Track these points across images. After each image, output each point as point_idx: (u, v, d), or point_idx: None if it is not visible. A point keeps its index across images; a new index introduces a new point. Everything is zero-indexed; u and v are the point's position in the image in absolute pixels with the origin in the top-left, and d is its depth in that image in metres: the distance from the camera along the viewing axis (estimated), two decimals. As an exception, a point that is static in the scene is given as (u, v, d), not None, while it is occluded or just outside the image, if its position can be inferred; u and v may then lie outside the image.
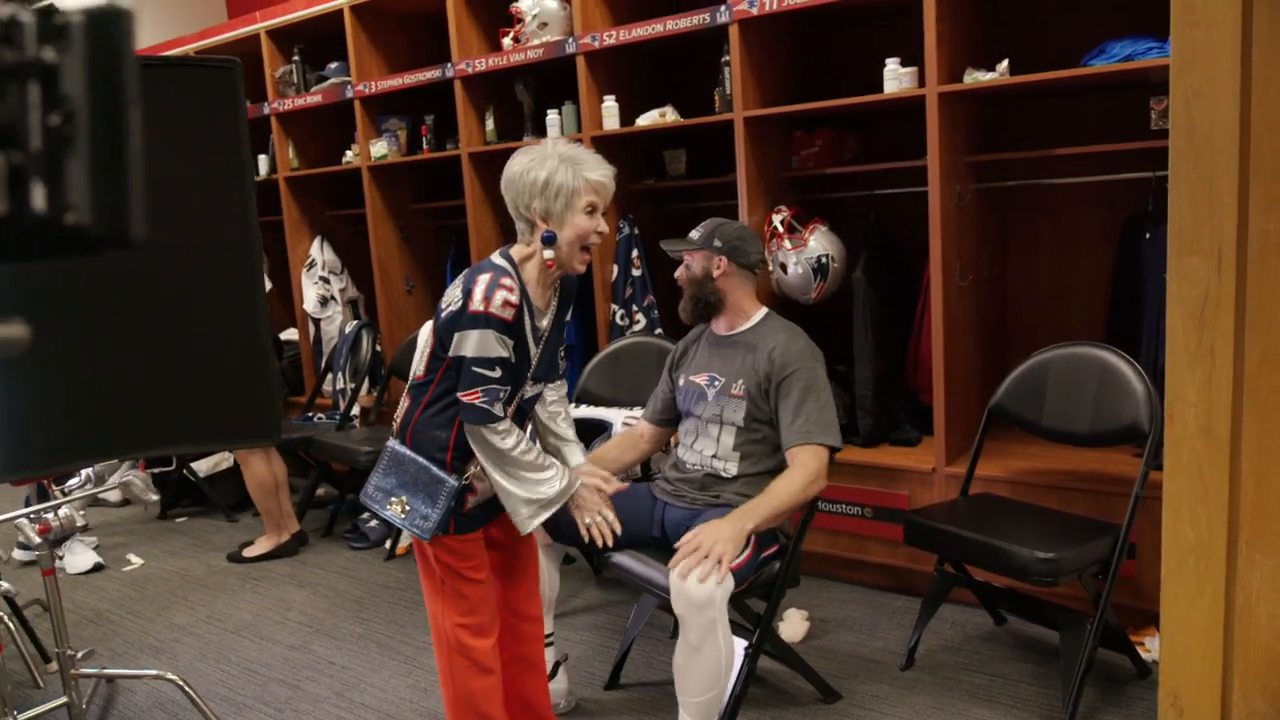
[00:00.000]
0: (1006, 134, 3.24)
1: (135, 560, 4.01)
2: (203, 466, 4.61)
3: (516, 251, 1.96)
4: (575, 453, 2.16)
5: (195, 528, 4.44)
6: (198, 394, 2.23)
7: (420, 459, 1.97)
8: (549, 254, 1.91)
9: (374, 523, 4.00)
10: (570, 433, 2.17)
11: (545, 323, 2.01)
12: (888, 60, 2.95)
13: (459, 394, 1.90)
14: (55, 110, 0.52)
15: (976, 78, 2.80)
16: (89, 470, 2.65)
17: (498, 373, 1.88)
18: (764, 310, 2.43)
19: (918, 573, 2.99)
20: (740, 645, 2.34)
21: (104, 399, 2.13)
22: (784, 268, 3.24)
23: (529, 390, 2.04)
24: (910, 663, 2.66)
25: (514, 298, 1.87)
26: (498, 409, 1.89)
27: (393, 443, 2.03)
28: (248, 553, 3.91)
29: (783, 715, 2.46)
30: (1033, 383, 2.67)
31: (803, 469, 2.20)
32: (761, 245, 2.47)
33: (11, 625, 2.95)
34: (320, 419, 4.50)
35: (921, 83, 2.86)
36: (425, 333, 2.10)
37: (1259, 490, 2.01)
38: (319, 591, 3.53)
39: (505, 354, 1.89)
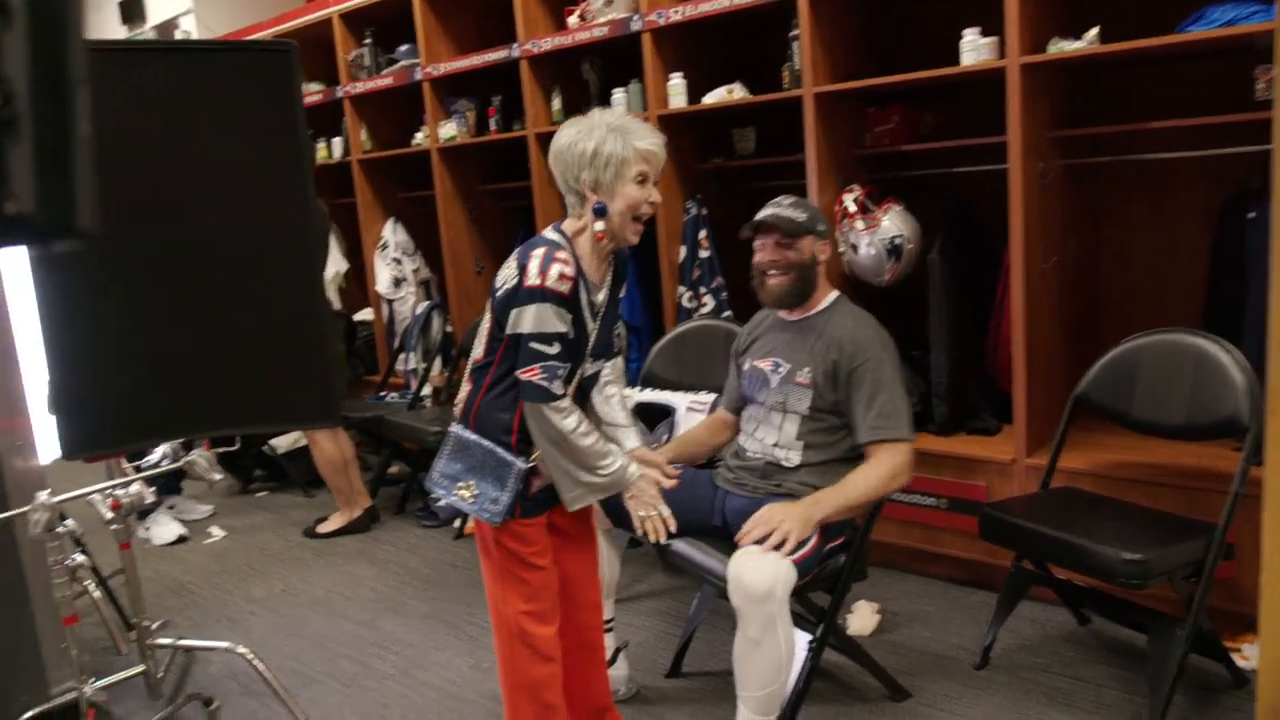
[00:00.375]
0: (1097, 106, 3.04)
1: (217, 533, 4.13)
2: (282, 443, 4.71)
3: (569, 226, 1.92)
4: (630, 436, 2.11)
5: (275, 502, 4.55)
6: (259, 376, 2.26)
7: (486, 442, 1.93)
8: (600, 226, 1.86)
9: (444, 501, 4.02)
10: (623, 416, 2.11)
11: (601, 297, 1.96)
12: (965, 31, 2.80)
13: (517, 371, 1.86)
14: (-6, 92, 0.49)
15: (1062, 47, 2.63)
16: (166, 447, 2.71)
17: (556, 349, 1.83)
18: (834, 294, 2.34)
19: (995, 567, 2.86)
20: (804, 639, 2.28)
21: (168, 381, 2.17)
22: (855, 249, 3.12)
23: (589, 368, 1.99)
24: (985, 662, 2.55)
25: (570, 271, 1.82)
26: (556, 387, 1.84)
27: (456, 428, 2.00)
28: (322, 528, 3.99)
29: (849, 712, 2.38)
30: (1123, 370, 2.51)
31: (880, 465, 2.13)
32: None
33: (96, 595, 3.07)
34: (393, 398, 4.55)
35: (1002, 54, 2.71)
36: (487, 315, 2.08)
37: (1372, 491, 1.84)
38: (389, 568, 3.58)
39: (563, 329, 1.84)
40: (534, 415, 1.87)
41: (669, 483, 2.03)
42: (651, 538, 1.98)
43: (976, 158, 3.10)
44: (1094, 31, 2.59)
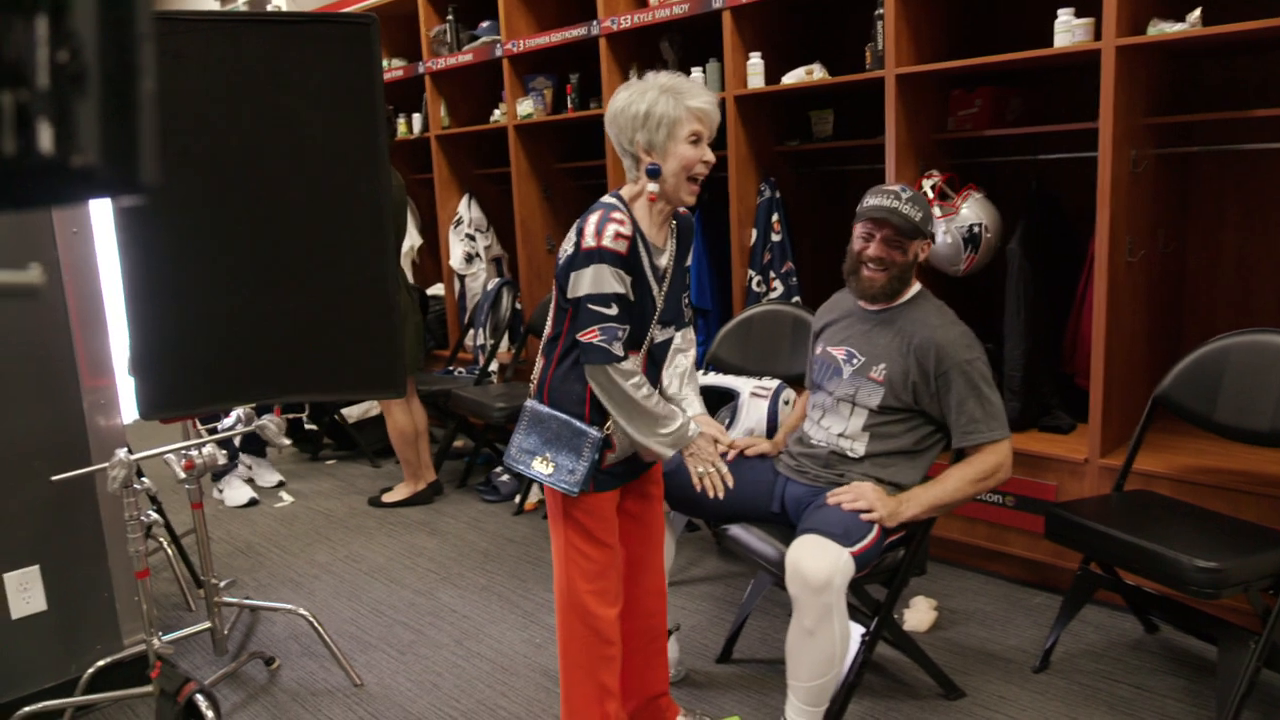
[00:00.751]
0: (1195, 92, 2.91)
1: (286, 498, 4.25)
2: (353, 413, 4.83)
3: (626, 191, 1.92)
4: (692, 404, 2.11)
5: (343, 471, 4.66)
6: (329, 345, 2.31)
7: (560, 415, 1.94)
8: (653, 187, 1.85)
9: (505, 477, 4.08)
10: (678, 384, 2.12)
11: (664, 261, 1.95)
12: (1060, 10, 2.69)
13: (577, 334, 1.86)
14: (63, 46, 0.49)
15: (1162, 29, 2.52)
16: (240, 411, 2.79)
17: (614, 310, 1.82)
18: (917, 286, 2.28)
19: (1061, 569, 2.79)
20: (857, 631, 2.24)
21: (242, 347, 2.23)
22: (932, 237, 3.04)
23: (658, 334, 1.98)
24: (1045, 665, 2.48)
25: (626, 230, 1.81)
26: (617, 348, 1.83)
27: (531, 402, 2.01)
28: (387, 498, 4.07)
29: (900, 708, 2.34)
30: (1207, 371, 2.41)
31: (974, 466, 2.13)
32: None
33: (170, 552, 3.18)
34: (460, 373, 4.61)
35: (1098, 35, 2.60)
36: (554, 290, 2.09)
37: None
38: (448, 540, 3.63)
39: (621, 290, 1.83)
40: (597, 377, 1.87)
41: (726, 438, 2.03)
42: (710, 494, 1.98)
43: (1063, 145, 2.99)
44: (1196, 13, 2.47)
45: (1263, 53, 2.77)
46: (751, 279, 3.57)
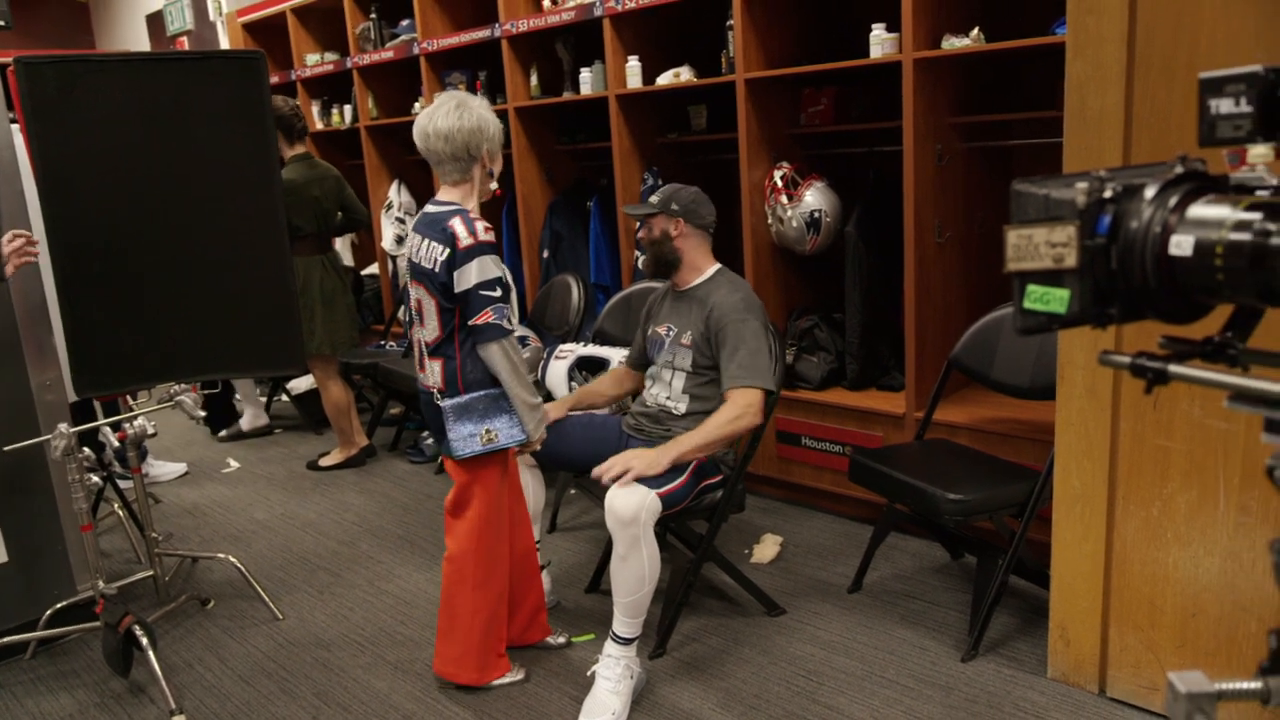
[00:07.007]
0: (1015, 93, 3.29)
1: (233, 464, 4.67)
2: (300, 385, 5.22)
3: (455, 195, 2.33)
4: None
5: (288, 439, 5.08)
6: (237, 331, 2.72)
7: (480, 392, 2.32)
8: (494, 185, 2.35)
9: (430, 440, 4.50)
10: None
11: None
12: (874, 25, 3.09)
13: (470, 321, 2.23)
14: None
15: (952, 44, 2.92)
16: (177, 388, 3.19)
17: (499, 292, 2.23)
18: (716, 266, 2.70)
19: (897, 509, 3.23)
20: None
21: (160, 336, 2.63)
22: (781, 221, 3.46)
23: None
24: (858, 586, 2.95)
25: (488, 224, 2.26)
26: (507, 323, 2.25)
27: (448, 402, 2.31)
28: (323, 462, 4.50)
29: (729, 623, 2.80)
30: (987, 337, 2.85)
31: (728, 409, 2.49)
32: (713, 208, 2.71)
33: (120, 513, 3.60)
34: (391, 346, 5.01)
35: (902, 48, 3.00)
36: (415, 301, 2.40)
37: (1136, 449, 2.19)
38: (374, 498, 4.07)
39: (500, 274, 2.24)
40: (496, 354, 2.25)
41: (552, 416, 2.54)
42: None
43: (896, 138, 3.39)
44: (975, 30, 2.88)
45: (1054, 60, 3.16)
46: (637, 259, 3.97)
